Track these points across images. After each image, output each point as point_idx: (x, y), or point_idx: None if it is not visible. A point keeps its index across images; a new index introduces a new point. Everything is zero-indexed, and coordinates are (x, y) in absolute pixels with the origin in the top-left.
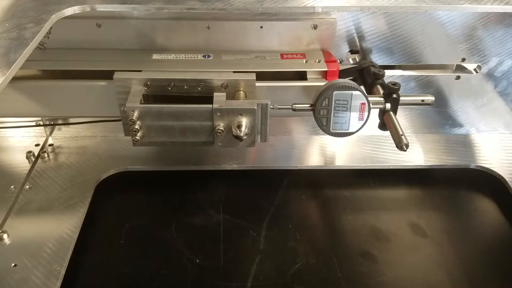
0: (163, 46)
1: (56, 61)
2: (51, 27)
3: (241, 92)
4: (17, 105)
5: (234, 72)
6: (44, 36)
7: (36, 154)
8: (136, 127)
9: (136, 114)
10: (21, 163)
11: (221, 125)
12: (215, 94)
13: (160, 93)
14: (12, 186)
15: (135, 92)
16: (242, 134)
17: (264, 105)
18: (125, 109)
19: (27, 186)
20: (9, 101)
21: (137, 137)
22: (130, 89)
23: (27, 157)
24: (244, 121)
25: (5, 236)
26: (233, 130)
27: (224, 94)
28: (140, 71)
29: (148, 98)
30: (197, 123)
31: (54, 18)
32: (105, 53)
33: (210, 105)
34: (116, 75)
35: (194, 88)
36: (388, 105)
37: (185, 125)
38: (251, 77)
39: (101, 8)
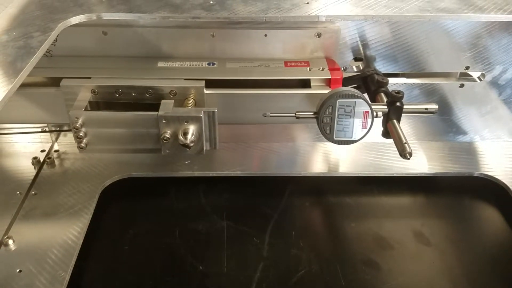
0: (168, 54)
1: (62, 68)
2: (58, 34)
3: (191, 99)
4: (23, 111)
5: (185, 79)
6: (50, 44)
7: (41, 160)
8: (81, 134)
9: (80, 121)
10: (27, 169)
11: (167, 133)
12: (162, 101)
13: (108, 100)
14: (18, 192)
15: (81, 99)
16: (188, 141)
17: (211, 113)
18: (69, 116)
19: (33, 192)
20: (16, 107)
21: (82, 144)
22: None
23: (33, 163)
24: (191, 128)
25: (10, 241)
26: (179, 137)
27: (172, 101)
28: (90, 77)
29: (98, 105)
30: (144, 130)
31: (60, 26)
32: (111, 61)
33: (156, 112)
34: (63, 82)
35: (142, 95)
36: (391, 113)
37: (131, 132)
38: (199, 84)
39: (107, 16)
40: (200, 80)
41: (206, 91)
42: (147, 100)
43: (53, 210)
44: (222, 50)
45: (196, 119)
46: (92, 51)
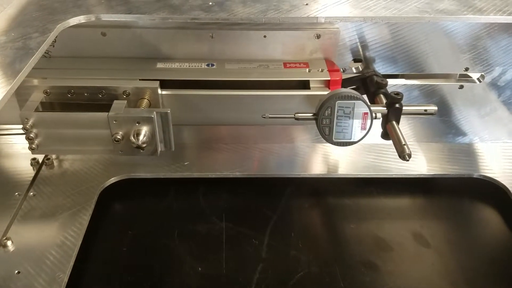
0: (167, 55)
1: (61, 70)
2: (57, 36)
3: (145, 100)
4: None
5: (140, 80)
6: (49, 45)
7: (40, 161)
8: (32, 135)
9: (30, 122)
10: (25, 170)
11: (119, 133)
12: (115, 102)
13: (62, 101)
14: (17, 193)
15: (33, 100)
16: (139, 142)
17: (164, 114)
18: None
19: (31, 193)
20: (15, 108)
21: (34, 146)
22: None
23: (32, 164)
24: (144, 129)
25: (9, 243)
26: (131, 138)
27: (125, 102)
28: (46, 78)
29: (53, 106)
30: (96, 131)
31: (59, 27)
32: (110, 62)
33: (106, 113)
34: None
35: (95, 96)
36: (390, 115)
37: (84, 133)
38: (153, 85)
39: (106, 17)
40: (155, 80)
41: (163, 92)
42: (102, 101)
43: (51, 211)
44: (221, 51)
45: (147, 120)
46: (91, 52)
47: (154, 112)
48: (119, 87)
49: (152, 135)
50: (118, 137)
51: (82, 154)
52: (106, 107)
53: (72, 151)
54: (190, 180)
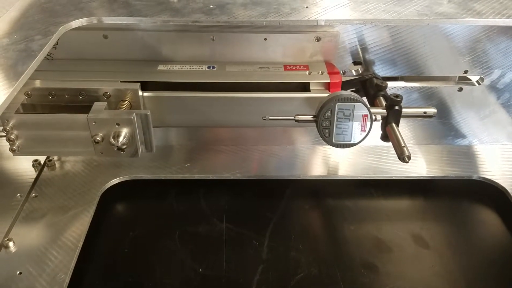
0: (168, 58)
1: (63, 72)
2: (59, 38)
3: (126, 102)
4: None
5: (121, 81)
6: (51, 47)
7: (42, 162)
8: (12, 137)
9: (11, 123)
10: (27, 171)
11: (99, 135)
12: (95, 103)
13: (43, 103)
14: (18, 194)
15: (14, 101)
16: (119, 144)
17: (144, 116)
18: None
19: (33, 194)
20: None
21: (14, 147)
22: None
23: (33, 166)
24: (123, 131)
25: (10, 243)
26: (110, 139)
27: (105, 103)
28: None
29: (34, 108)
30: (76, 132)
31: (61, 30)
32: (112, 64)
33: (85, 115)
34: None
35: (76, 97)
36: (390, 117)
37: (64, 135)
38: (134, 86)
39: (108, 20)
40: (135, 82)
41: (144, 94)
42: (83, 103)
43: (53, 213)
44: (222, 54)
45: (127, 122)
46: (93, 55)
47: (134, 114)
48: (100, 89)
49: (132, 137)
50: (98, 138)
51: (63, 155)
52: (87, 109)
53: (53, 152)
54: (191, 181)
